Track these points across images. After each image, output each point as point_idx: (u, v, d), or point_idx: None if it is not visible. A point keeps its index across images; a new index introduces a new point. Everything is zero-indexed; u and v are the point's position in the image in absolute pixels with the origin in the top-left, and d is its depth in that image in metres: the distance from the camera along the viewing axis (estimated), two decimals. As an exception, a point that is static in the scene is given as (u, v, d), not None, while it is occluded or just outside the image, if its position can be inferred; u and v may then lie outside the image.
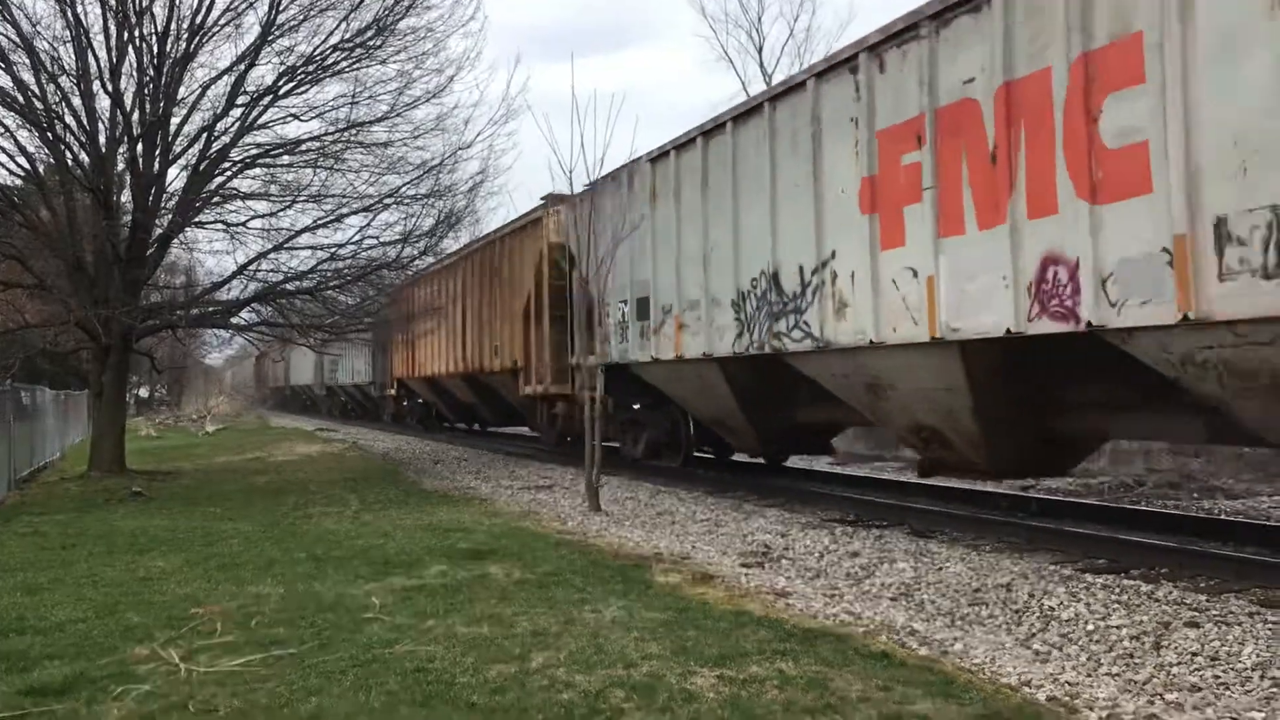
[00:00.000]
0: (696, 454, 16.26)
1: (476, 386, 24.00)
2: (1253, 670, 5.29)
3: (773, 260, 11.41)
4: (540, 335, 18.71)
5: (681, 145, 13.35)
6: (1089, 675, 5.36)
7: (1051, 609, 6.73)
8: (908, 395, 9.85)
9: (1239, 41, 6.48)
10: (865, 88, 9.84)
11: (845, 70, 10.18)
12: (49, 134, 16.78)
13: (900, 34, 9.36)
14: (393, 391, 33.52)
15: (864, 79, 9.84)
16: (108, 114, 17.50)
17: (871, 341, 9.81)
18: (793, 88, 11.08)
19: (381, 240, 18.97)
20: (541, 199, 18.96)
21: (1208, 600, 6.79)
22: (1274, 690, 5.00)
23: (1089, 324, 7.52)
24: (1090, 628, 6.26)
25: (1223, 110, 6.58)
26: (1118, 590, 7.13)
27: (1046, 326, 7.92)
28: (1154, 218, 7.02)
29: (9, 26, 15.99)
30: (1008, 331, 8.25)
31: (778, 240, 11.33)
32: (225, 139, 17.90)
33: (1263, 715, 4.67)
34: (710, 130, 12.66)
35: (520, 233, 20.33)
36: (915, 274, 9.24)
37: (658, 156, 13.97)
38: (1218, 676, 5.23)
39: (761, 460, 15.89)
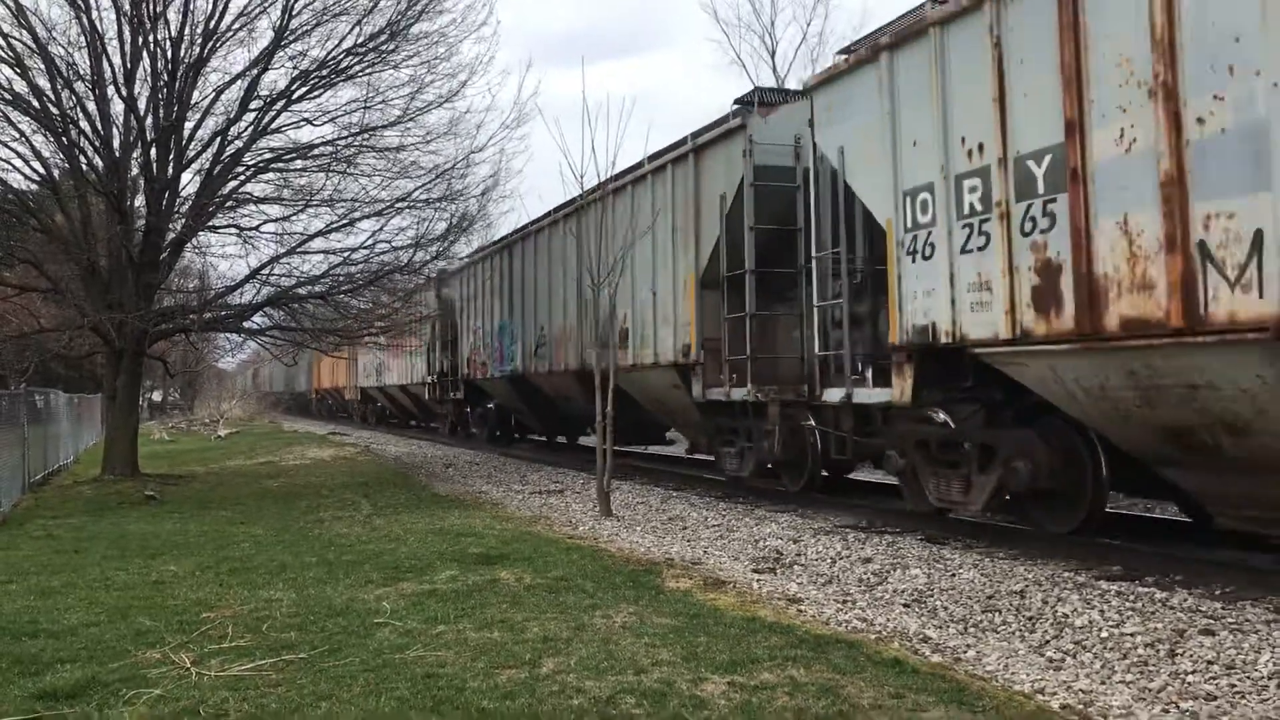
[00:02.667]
0: None
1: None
2: (1269, 679, 5.24)
3: None
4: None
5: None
6: (1103, 683, 5.32)
7: (1065, 616, 6.69)
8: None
9: None
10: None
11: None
12: (64, 139, 16.90)
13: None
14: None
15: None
16: (122, 119, 17.63)
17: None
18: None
19: (394, 244, 19.01)
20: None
21: (1223, 608, 6.73)
22: (1291, 699, 4.96)
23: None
24: (1104, 635, 6.22)
25: None
26: (1132, 597, 7.08)
27: None
28: None
29: (25, 32, 16.12)
30: None
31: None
32: (238, 143, 17.98)
33: (1279, 725, 4.63)
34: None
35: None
36: None
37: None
38: (1233, 685, 5.18)
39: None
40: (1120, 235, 7.24)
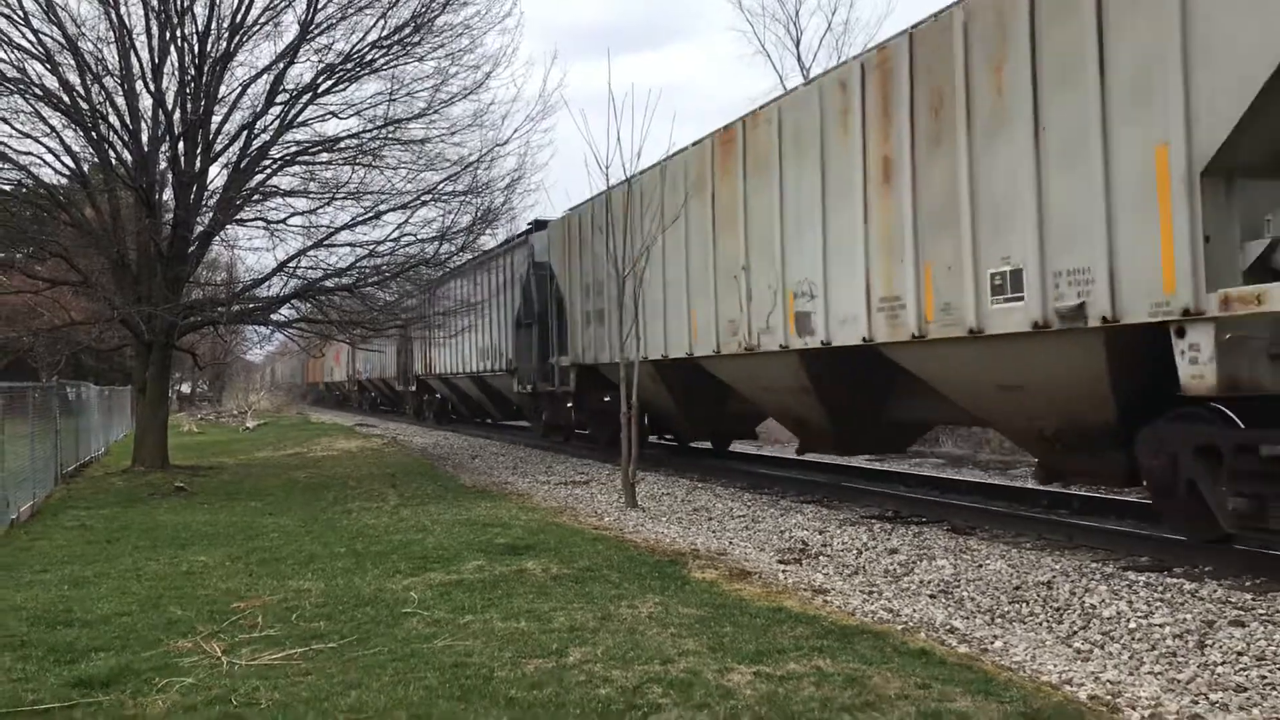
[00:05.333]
0: None
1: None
2: (1300, 670, 5.20)
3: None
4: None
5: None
6: (1131, 674, 5.30)
7: (1093, 607, 6.66)
8: None
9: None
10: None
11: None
12: (93, 133, 17.07)
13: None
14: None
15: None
16: (150, 113, 17.78)
17: None
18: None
19: (419, 237, 19.08)
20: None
21: (1253, 599, 6.68)
22: (1322, 691, 4.92)
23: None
24: (1132, 626, 6.18)
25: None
26: (1160, 588, 7.04)
27: None
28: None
29: (55, 28, 16.30)
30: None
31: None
32: (265, 137, 18.11)
33: (1310, 716, 4.60)
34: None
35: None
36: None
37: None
38: (1264, 676, 5.15)
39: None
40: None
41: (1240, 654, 5.53)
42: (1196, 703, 4.81)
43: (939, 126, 9.13)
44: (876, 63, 10.01)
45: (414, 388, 36.22)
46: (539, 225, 21.55)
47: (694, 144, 13.95)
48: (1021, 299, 8.24)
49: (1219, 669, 5.31)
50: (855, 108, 10.27)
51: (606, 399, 17.60)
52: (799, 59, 37.41)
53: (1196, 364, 6.92)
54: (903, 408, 11.56)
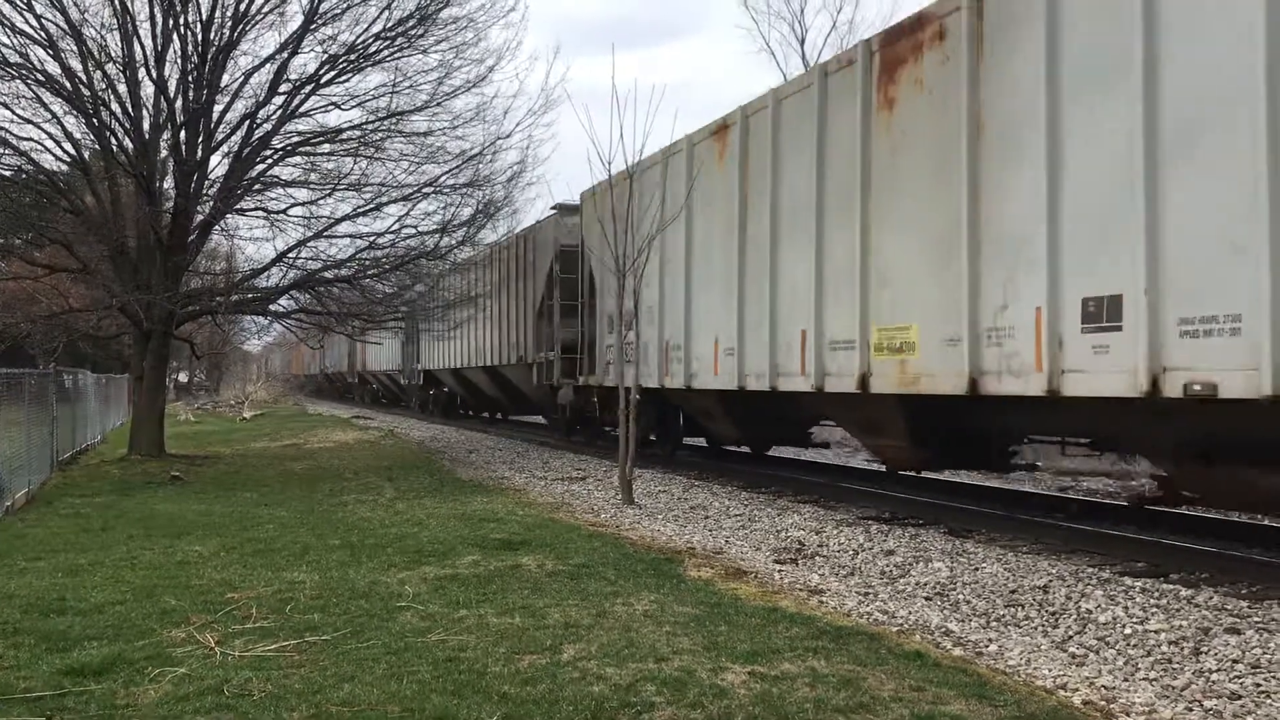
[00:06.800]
0: None
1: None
2: (1295, 679, 5.19)
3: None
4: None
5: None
6: (1126, 680, 5.29)
7: (1089, 612, 6.65)
8: None
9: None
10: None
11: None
12: (95, 120, 17.06)
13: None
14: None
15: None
16: (152, 101, 17.78)
17: None
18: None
19: (420, 229, 19.06)
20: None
21: (1249, 606, 6.67)
22: (1317, 700, 4.91)
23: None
24: (1128, 631, 6.17)
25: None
26: (1156, 594, 7.03)
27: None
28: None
29: (58, 14, 16.27)
30: None
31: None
32: (267, 126, 18.09)
33: (1305, 725, 4.59)
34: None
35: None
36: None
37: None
38: (1259, 684, 5.14)
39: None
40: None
41: (1235, 661, 5.52)
42: (1191, 710, 4.80)
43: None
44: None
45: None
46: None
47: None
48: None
49: (1214, 676, 5.30)
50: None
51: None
52: (803, 58, 37.42)
53: None
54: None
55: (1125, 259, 7.44)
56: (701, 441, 17.33)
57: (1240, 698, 4.96)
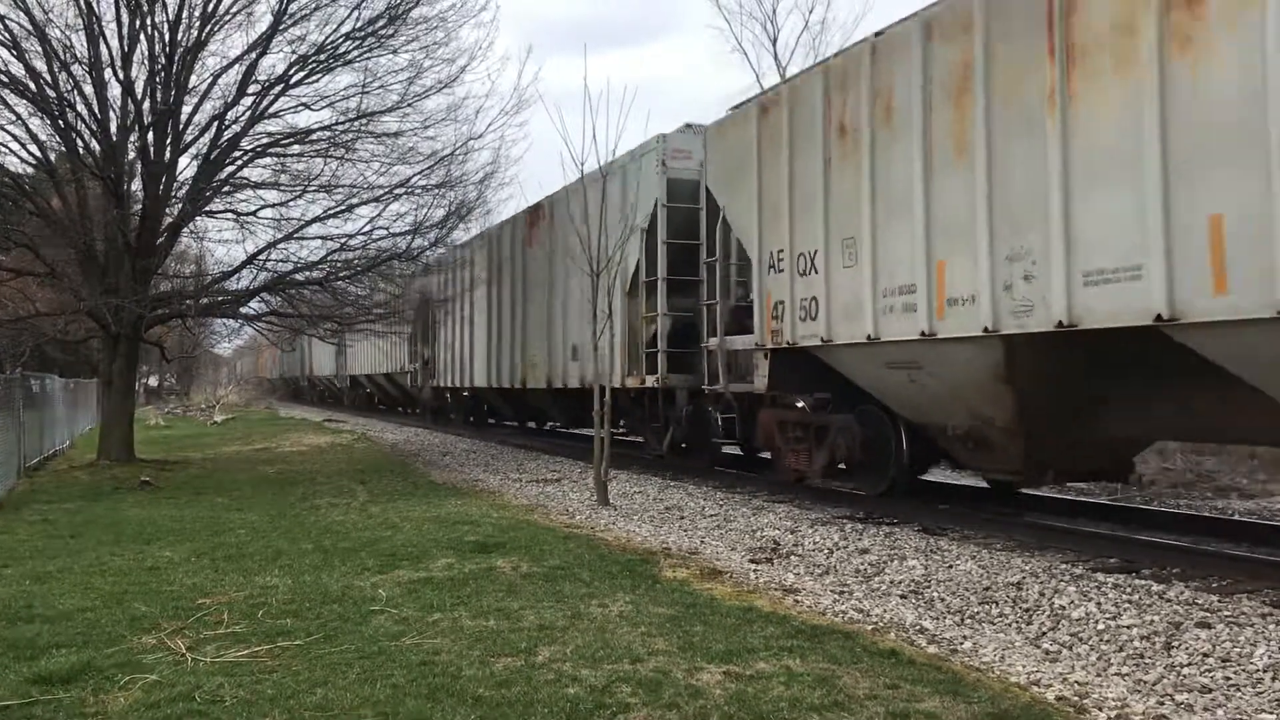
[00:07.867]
0: None
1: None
2: (1264, 672, 5.25)
3: None
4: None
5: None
6: (1099, 675, 5.33)
7: (1062, 608, 6.69)
8: None
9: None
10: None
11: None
12: (60, 122, 16.85)
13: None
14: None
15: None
16: (119, 102, 17.57)
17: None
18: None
19: (392, 231, 18.97)
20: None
21: (1219, 601, 6.74)
22: (1287, 693, 4.96)
23: None
24: (1100, 627, 6.22)
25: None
26: (1129, 590, 7.08)
27: None
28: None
29: (22, 14, 16.02)
30: None
31: None
32: (236, 128, 17.93)
33: (1274, 717, 4.63)
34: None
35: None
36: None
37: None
38: (1229, 678, 5.19)
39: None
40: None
41: (1206, 655, 5.57)
42: (1163, 704, 4.84)
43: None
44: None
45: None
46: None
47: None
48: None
49: (1185, 670, 5.35)
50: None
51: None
52: (775, 58, 37.45)
53: None
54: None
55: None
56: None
57: (1211, 691, 5.00)
